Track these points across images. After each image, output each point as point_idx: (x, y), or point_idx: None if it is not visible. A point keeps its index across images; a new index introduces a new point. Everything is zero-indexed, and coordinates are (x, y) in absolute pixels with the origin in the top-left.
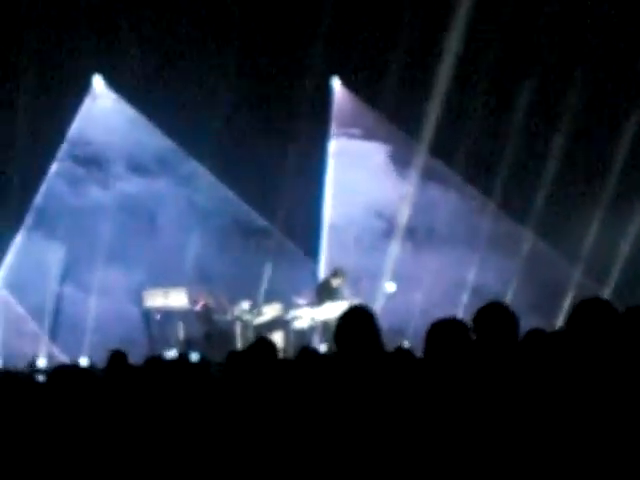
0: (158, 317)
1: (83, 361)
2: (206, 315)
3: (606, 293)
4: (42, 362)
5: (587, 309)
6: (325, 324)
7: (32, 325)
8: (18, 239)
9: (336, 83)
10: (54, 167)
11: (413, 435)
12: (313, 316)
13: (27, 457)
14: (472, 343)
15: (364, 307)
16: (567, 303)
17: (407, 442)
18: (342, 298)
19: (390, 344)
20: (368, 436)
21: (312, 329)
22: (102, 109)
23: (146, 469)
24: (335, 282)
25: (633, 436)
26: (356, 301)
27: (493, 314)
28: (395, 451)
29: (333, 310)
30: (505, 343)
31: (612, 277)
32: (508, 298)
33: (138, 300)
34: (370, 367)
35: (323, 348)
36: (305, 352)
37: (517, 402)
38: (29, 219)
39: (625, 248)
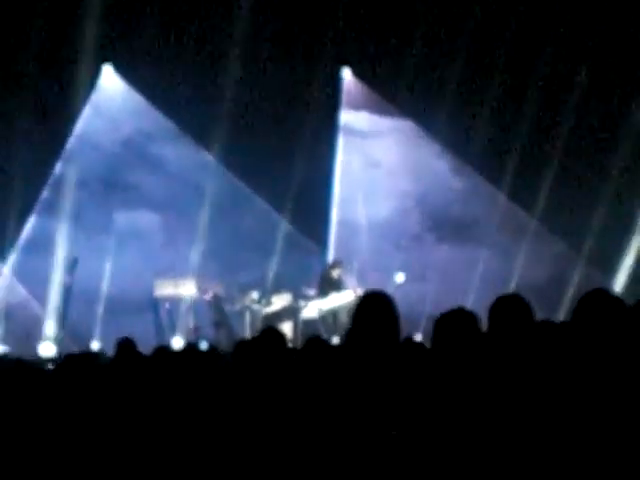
0: (167, 306)
1: (95, 345)
2: (215, 304)
3: (612, 284)
4: (51, 350)
5: (593, 301)
6: (333, 314)
7: (40, 312)
8: (28, 227)
9: (346, 73)
10: (64, 155)
11: (420, 424)
12: (320, 307)
13: (35, 445)
14: (481, 334)
15: (383, 292)
16: (571, 294)
17: (414, 431)
18: (344, 288)
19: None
20: (375, 425)
21: (321, 319)
22: (112, 98)
23: (155, 457)
24: (335, 273)
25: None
26: (359, 290)
27: (509, 305)
28: (401, 441)
29: (339, 299)
30: (520, 335)
31: (618, 268)
32: (512, 287)
33: (148, 289)
34: (378, 357)
35: (334, 338)
36: (313, 341)
37: (525, 393)
38: (39, 207)
39: (632, 239)
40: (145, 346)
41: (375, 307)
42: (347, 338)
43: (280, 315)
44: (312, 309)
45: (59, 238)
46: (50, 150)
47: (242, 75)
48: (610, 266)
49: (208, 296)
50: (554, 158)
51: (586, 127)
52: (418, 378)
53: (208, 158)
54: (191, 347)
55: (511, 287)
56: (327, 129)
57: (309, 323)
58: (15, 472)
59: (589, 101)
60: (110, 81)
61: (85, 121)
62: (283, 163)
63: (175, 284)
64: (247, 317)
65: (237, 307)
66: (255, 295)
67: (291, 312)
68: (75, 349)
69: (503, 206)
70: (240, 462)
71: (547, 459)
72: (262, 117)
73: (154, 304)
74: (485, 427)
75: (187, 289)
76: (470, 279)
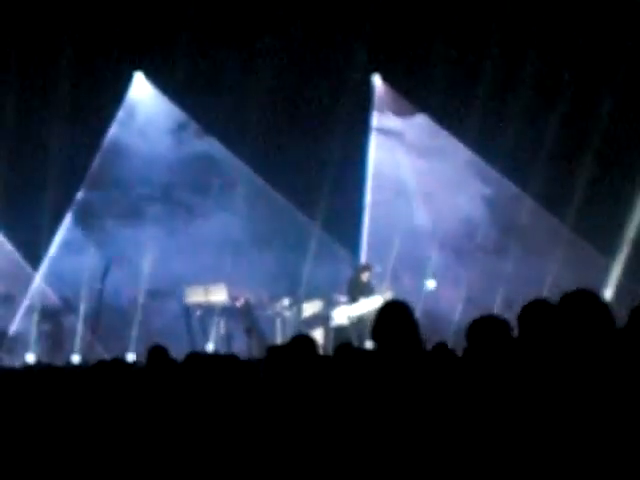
0: (198, 313)
1: (130, 356)
2: (246, 311)
3: None
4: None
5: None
6: (361, 320)
7: (72, 320)
8: (59, 234)
9: (377, 79)
10: (95, 163)
11: (449, 429)
12: (348, 314)
13: (68, 449)
14: (512, 340)
15: (401, 301)
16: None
17: (445, 434)
18: (373, 292)
19: (431, 340)
20: (408, 431)
21: (351, 325)
22: (143, 105)
23: (188, 462)
24: (364, 277)
25: None
26: (389, 294)
27: (538, 312)
28: (433, 444)
29: (368, 305)
30: (550, 340)
31: None
32: (545, 294)
33: (178, 296)
34: (408, 363)
35: (366, 344)
36: (344, 348)
37: (558, 400)
38: (70, 214)
39: None
40: (177, 353)
41: (393, 316)
42: (373, 346)
43: (311, 322)
44: (341, 315)
45: (91, 245)
46: (82, 158)
47: (274, 81)
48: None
49: (239, 303)
50: (587, 164)
51: (620, 132)
52: (448, 384)
53: (238, 163)
54: (222, 354)
55: (543, 294)
56: (359, 135)
57: (340, 330)
58: (42, 474)
59: (623, 106)
60: (141, 88)
61: (117, 128)
62: (314, 169)
63: (206, 291)
64: (278, 324)
65: (268, 314)
66: (286, 302)
67: (322, 319)
68: (107, 356)
69: (535, 213)
70: (272, 467)
71: (582, 462)
72: (294, 123)
73: (186, 311)
74: (515, 431)
75: (218, 296)
76: (501, 287)
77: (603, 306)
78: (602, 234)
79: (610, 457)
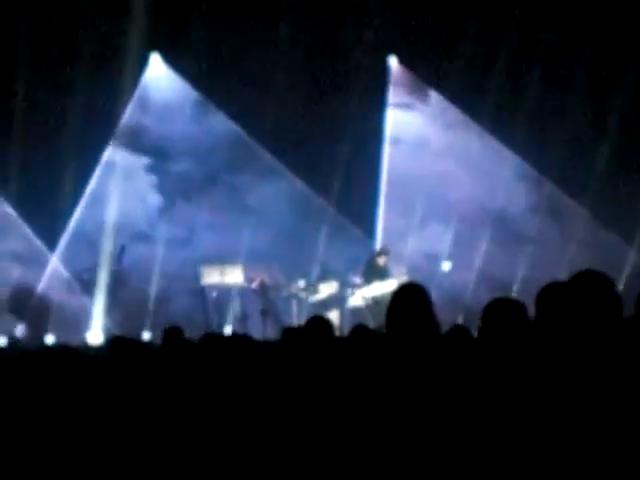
0: (214, 294)
1: (146, 335)
2: (262, 293)
3: None
4: (99, 338)
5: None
6: (375, 302)
7: (88, 301)
8: (76, 216)
9: (393, 61)
10: (112, 144)
11: (466, 410)
12: (363, 295)
13: (87, 429)
14: (528, 322)
15: (416, 284)
16: (622, 284)
17: (460, 417)
18: (389, 276)
19: (446, 322)
20: (424, 413)
21: (367, 307)
22: (159, 87)
23: (204, 443)
24: (381, 260)
25: None
26: (404, 278)
27: (555, 294)
28: (448, 426)
29: (382, 288)
30: (567, 325)
31: None
32: (561, 278)
33: (195, 277)
34: (424, 345)
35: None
36: (359, 330)
37: (574, 385)
38: (87, 195)
39: None
40: (193, 334)
41: (409, 298)
42: (387, 329)
43: (327, 303)
44: (358, 297)
45: (107, 226)
46: (99, 139)
47: (290, 64)
48: None
49: (255, 284)
50: (604, 146)
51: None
52: (463, 366)
53: (253, 143)
54: (239, 335)
55: (560, 277)
56: (375, 116)
57: (356, 311)
58: (62, 452)
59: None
60: (158, 70)
61: (133, 110)
62: (329, 151)
63: (222, 272)
64: (294, 305)
65: (284, 295)
66: (302, 283)
67: (338, 300)
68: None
69: (551, 195)
70: (286, 449)
71: (597, 444)
72: (309, 104)
73: (201, 292)
74: (530, 414)
75: (234, 277)
76: (519, 269)
77: (610, 286)
78: (621, 217)
79: (626, 440)
